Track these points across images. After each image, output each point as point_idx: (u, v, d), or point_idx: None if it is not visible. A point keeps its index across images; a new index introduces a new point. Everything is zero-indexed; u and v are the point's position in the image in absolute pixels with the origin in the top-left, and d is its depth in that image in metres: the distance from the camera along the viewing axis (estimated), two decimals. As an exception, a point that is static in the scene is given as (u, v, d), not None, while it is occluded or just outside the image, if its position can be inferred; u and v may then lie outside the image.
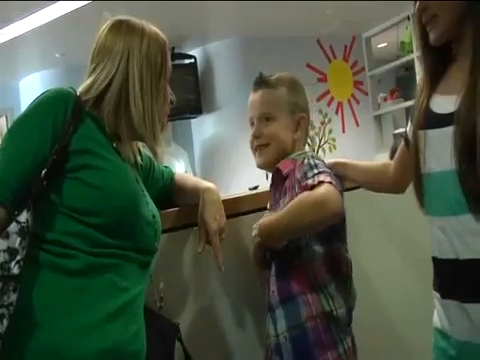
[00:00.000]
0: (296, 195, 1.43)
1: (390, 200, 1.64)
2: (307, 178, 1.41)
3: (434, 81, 1.33)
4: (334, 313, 1.46)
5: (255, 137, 1.60)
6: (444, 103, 1.26)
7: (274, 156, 1.58)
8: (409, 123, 1.46)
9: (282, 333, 1.48)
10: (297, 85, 1.66)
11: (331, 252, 1.50)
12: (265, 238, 1.47)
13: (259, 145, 1.60)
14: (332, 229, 1.44)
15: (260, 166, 1.63)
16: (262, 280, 1.62)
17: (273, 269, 1.54)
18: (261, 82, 1.63)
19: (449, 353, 1.30)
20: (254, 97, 1.63)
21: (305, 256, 1.48)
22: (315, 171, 1.42)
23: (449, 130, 1.21)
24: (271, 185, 1.62)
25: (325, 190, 1.35)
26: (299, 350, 1.46)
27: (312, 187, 1.37)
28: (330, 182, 1.37)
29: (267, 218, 1.48)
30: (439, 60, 1.33)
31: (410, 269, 1.94)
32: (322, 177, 1.39)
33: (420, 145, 1.30)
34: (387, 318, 1.85)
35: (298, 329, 1.46)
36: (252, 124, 1.63)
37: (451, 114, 1.22)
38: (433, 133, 1.28)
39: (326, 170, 1.43)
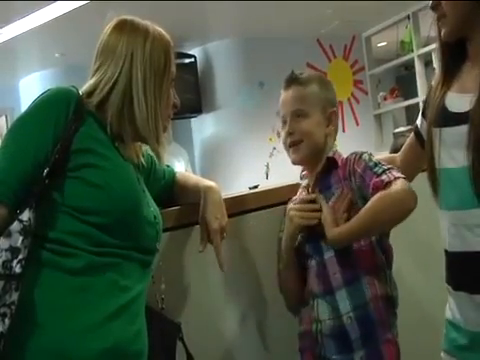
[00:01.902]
0: (349, 187, 1.55)
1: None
2: (377, 174, 1.48)
3: (449, 79, 1.36)
4: (392, 295, 1.57)
5: (289, 134, 1.63)
6: (459, 101, 1.30)
7: (308, 152, 1.62)
8: (420, 117, 1.51)
9: (346, 314, 1.53)
10: (326, 81, 1.72)
11: (383, 243, 1.59)
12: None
13: (293, 142, 1.62)
14: None
15: (296, 162, 1.66)
16: (287, 266, 1.65)
17: (330, 253, 1.57)
18: (292, 80, 1.66)
19: (460, 343, 1.34)
20: (286, 95, 1.66)
21: (364, 246, 1.56)
22: (384, 167, 1.49)
23: (464, 129, 1.26)
24: (319, 172, 1.64)
25: (402, 186, 1.43)
26: (365, 329, 1.52)
27: (387, 183, 1.44)
28: (404, 178, 1.45)
29: (337, 230, 1.51)
30: (455, 58, 1.37)
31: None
32: (395, 173, 1.46)
33: (435, 142, 1.35)
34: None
35: (363, 309, 1.52)
36: (284, 122, 1.65)
37: (466, 113, 1.26)
38: (448, 131, 1.32)
39: (393, 167, 1.51)
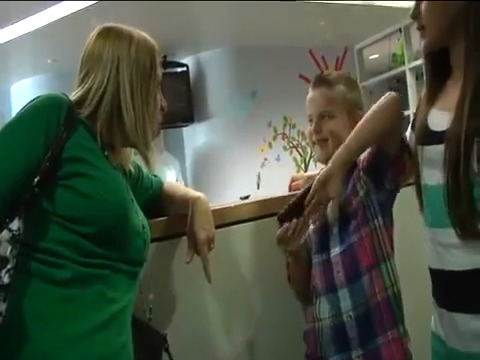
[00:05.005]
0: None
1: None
2: None
3: (434, 95, 1.36)
4: (394, 289, 1.55)
5: (315, 132, 1.68)
6: (439, 119, 1.30)
7: (333, 151, 1.60)
8: (409, 128, 1.50)
9: (346, 312, 1.53)
10: (354, 83, 1.76)
11: (388, 226, 1.59)
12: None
13: (319, 139, 1.68)
14: (389, 201, 1.58)
15: (321, 160, 1.69)
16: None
17: (337, 249, 1.58)
18: (321, 80, 1.71)
19: (441, 356, 1.35)
20: (314, 95, 1.71)
21: (372, 226, 1.56)
22: None
23: (441, 148, 1.25)
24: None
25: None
26: (364, 328, 1.52)
27: None
28: None
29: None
30: (439, 73, 1.37)
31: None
32: None
33: (418, 158, 1.36)
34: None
35: (363, 307, 1.52)
36: (311, 120, 1.70)
37: (444, 132, 1.26)
38: (428, 149, 1.32)
39: None
